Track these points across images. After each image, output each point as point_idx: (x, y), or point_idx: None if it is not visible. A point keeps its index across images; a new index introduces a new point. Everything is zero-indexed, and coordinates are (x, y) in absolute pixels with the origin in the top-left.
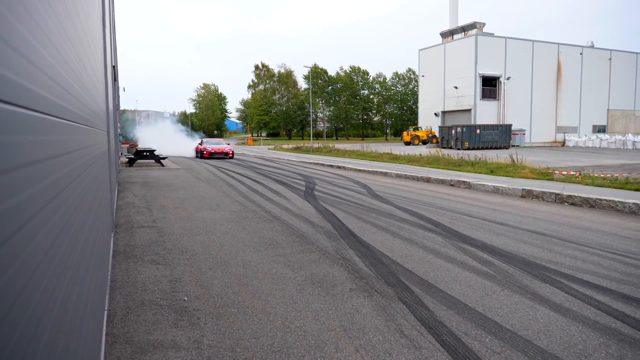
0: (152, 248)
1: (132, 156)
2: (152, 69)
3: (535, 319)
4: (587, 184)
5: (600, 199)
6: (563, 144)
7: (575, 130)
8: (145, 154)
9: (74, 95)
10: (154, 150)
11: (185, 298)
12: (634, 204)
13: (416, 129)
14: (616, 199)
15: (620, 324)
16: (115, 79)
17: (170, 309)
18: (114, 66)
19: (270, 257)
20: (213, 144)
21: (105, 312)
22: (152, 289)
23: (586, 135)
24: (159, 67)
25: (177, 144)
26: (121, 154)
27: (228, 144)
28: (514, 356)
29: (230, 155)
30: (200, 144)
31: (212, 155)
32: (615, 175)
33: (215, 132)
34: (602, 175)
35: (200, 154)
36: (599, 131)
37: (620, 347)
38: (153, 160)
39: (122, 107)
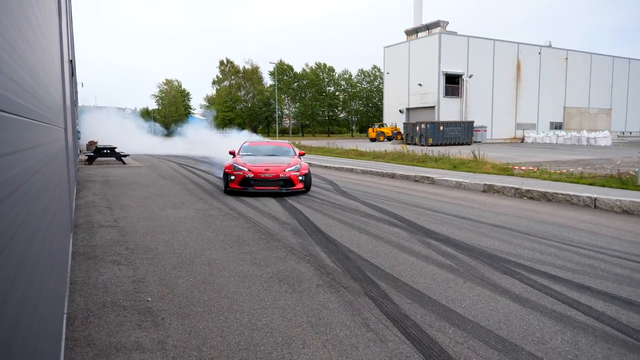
0: (114, 248)
1: (92, 154)
2: (113, 64)
3: (496, 310)
4: (545, 179)
5: (556, 193)
6: (522, 140)
7: (534, 127)
8: (105, 151)
9: (28, 90)
10: (115, 148)
11: (149, 298)
12: (587, 197)
13: (381, 125)
14: (571, 193)
15: (575, 312)
16: (72, 73)
17: (134, 310)
18: (71, 60)
19: (237, 255)
20: (257, 158)
21: (65, 315)
22: (114, 290)
23: (544, 132)
24: (119, 62)
25: (129, 140)
26: (80, 151)
27: (296, 160)
28: (476, 346)
29: (299, 183)
30: (234, 152)
31: (248, 185)
32: (571, 170)
33: (179, 128)
34: (558, 171)
35: (227, 180)
36: (555, 128)
37: (575, 333)
38: (114, 158)
39: (80, 103)
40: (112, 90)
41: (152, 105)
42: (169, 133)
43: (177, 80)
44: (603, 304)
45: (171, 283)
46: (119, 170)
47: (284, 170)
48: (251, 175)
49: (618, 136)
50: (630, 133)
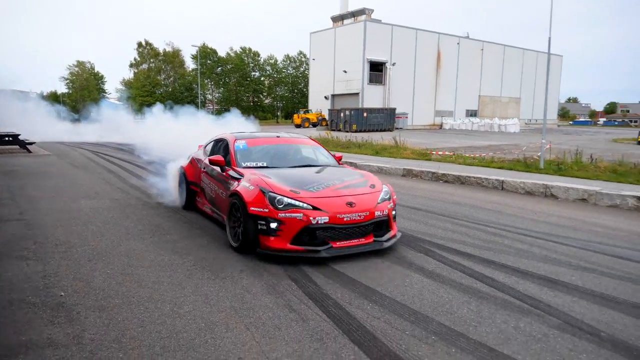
0: (20, 243)
1: None
2: (14, 44)
3: (410, 285)
4: (460, 163)
5: (469, 177)
6: (441, 126)
7: (452, 114)
8: (7, 139)
9: None
10: (18, 135)
11: (62, 293)
12: (496, 180)
13: (307, 111)
14: (482, 176)
15: (480, 284)
16: None
17: (45, 306)
18: None
19: (157, 244)
20: (294, 173)
21: None
22: (21, 287)
23: (460, 119)
24: (22, 41)
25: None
26: None
27: (371, 177)
28: (392, 319)
29: (394, 224)
30: (224, 161)
31: (314, 243)
32: (483, 155)
33: (92, 113)
34: (472, 155)
35: (255, 230)
36: (471, 115)
37: (479, 303)
38: (17, 147)
39: None
40: (13, 72)
41: (62, 88)
42: (79, 118)
43: (89, 62)
44: (504, 275)
45: (86, 276)
46: (24, 160)
47: (377, 204)
48: (324, 219)
49: (526, 123)
50: (536, 120)
